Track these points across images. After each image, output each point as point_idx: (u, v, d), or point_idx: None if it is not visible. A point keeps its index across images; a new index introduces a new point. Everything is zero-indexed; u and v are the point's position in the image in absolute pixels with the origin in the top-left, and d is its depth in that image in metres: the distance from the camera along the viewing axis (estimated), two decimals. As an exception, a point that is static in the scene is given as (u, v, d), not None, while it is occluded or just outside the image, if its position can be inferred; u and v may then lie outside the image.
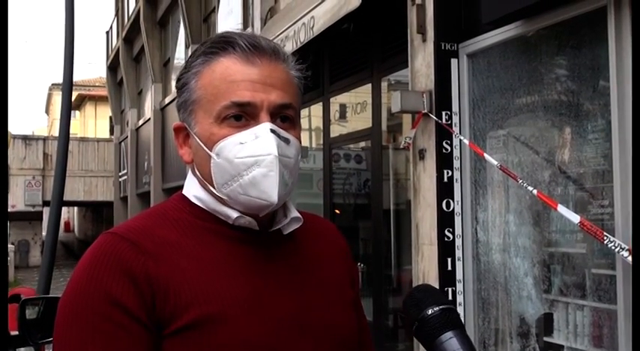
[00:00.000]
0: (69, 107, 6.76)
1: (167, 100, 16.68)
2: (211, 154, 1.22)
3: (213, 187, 1.24)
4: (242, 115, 1.21)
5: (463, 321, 4.77)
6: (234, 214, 1.23)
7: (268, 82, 1.23)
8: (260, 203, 1.21)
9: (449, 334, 1.13)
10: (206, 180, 1.25)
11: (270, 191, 1.19)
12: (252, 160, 1.19)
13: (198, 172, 1.28)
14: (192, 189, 1.29)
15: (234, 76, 1.22)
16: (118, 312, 1.11)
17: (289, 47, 6.70)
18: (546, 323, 4.44)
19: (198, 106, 1.24)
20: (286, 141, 1.22)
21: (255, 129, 1.20)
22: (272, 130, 1.20)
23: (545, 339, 4.45)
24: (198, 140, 1.24)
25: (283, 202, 1.26)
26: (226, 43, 1.24)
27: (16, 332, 2.84)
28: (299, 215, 1.30)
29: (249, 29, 9.37)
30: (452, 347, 1.12)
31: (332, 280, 1.35)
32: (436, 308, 1.15)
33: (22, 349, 3.40)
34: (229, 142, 1.20)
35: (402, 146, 5.32)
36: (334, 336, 1.28)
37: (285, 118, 1.25)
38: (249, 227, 1.25)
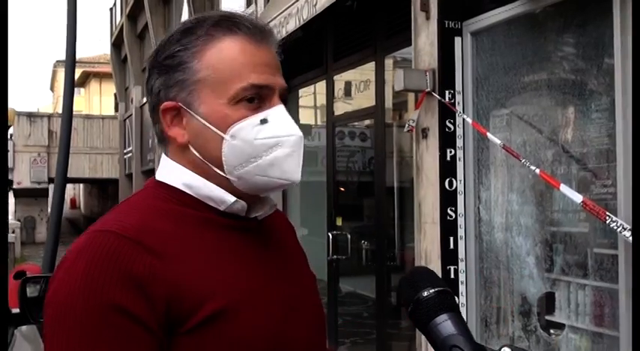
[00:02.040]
0: (72, 84, 6.75)
1: (171, 77, 16.58)
2: (224, 136, 1.18)
3: (222, 170, 1.20)
4: (254, 97, 1.20)
5: (465, 299, 4.84)
6: (231, 199, 1.21)
7: (274, 65, 1.23)
8: (280, 183, 1.21)
9: (444, 317, 1.12)
10: (212, 162, 1.20)
11: (293, 171, 1.21)
12: (273, 141, 1.18)
13: (198, 155, 1.21)
14: (180, 175, 1.23)
15: (247, 57, 1.20)
16: (125, 320, 1.04)
17: (292, 25, 6.66)
18: (548, 302, 4.45)
19: (203, 86, 1.19)
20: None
21: (273, 111, 1.20)
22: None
23: (547, 318, 4.46)
24: (205, 122, 1.19)
25: None
26: (232, 24, 1.22)
27: (17, 310, 2.87)
28: (275, 202, 1.31)
29: (252, 7, 9.31)
30: (446, 329, 1.11)
31: (301, 263, 1.39)
32: (432, 290, 1.15)
33: (24, 326, 3.44)
34: (247, 124, 1.18)
35: (405, 130, 5.30)
36: (316, 317, 1.32)
37: (284, 101, 1.25)
38: (236, 214, 1.24)
